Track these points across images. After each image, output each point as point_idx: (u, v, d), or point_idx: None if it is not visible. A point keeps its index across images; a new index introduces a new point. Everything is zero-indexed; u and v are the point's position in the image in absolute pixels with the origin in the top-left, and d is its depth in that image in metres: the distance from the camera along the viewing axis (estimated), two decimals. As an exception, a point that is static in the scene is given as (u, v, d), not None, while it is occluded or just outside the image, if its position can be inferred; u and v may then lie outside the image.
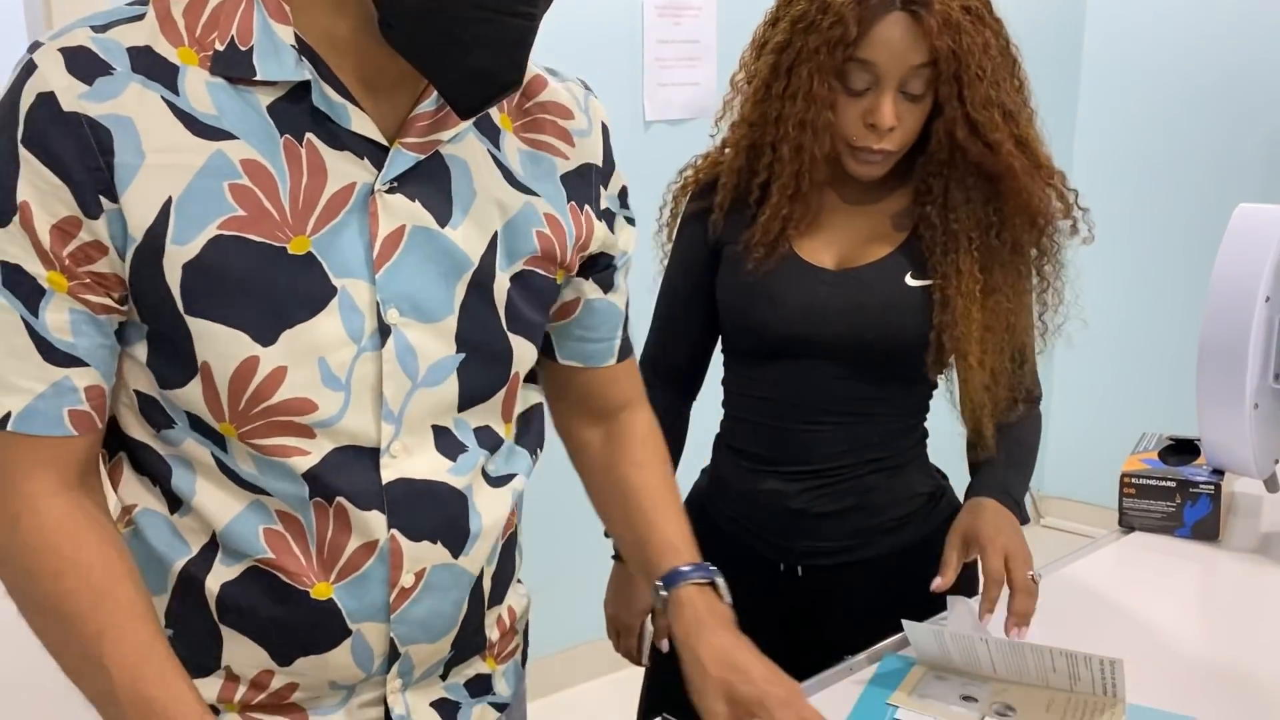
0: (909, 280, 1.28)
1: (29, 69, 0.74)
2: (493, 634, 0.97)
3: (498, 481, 0.92)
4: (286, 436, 0.80)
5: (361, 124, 0.80)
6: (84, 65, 0.74)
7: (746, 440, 1.36)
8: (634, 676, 1.50)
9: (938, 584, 1.18)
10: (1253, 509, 1.66)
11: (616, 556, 1.40)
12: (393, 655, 0.87)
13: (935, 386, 1.39)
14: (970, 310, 1.24)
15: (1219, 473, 1.55)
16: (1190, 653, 1.26)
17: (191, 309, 0.77)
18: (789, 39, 1.23)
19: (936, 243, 1.26)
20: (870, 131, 1.21)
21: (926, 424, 1.43)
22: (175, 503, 0.83)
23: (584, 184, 0.93)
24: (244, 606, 0.83)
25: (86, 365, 0.78)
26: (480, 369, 0.88)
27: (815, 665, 1.18)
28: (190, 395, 0.80)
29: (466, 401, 0.88)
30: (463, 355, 0.86)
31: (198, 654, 0.85)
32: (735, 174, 1.30)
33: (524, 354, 0.91)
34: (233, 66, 0.77)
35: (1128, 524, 1.59)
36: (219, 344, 0.78)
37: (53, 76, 0.74)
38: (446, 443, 0.87)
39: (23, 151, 0.73)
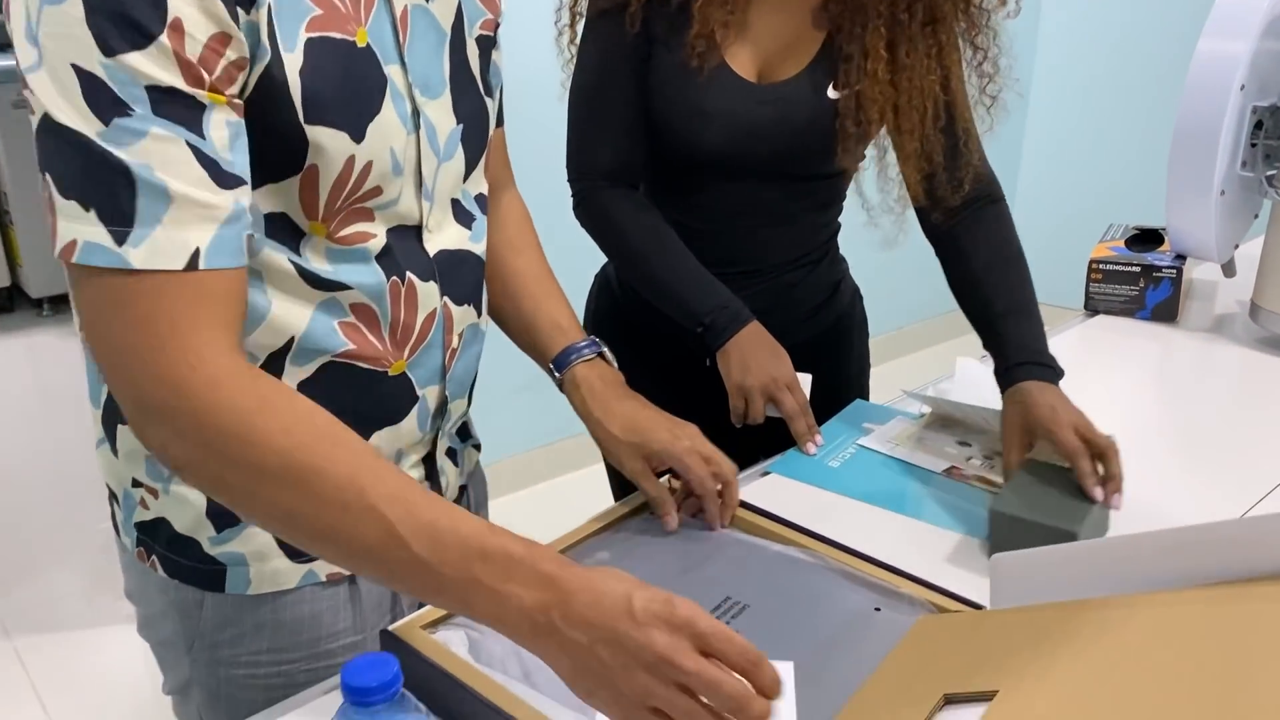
0: (830, 93, 1.26)
1: None
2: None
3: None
4: (358, 223, 0.83)
5: None
6: None
7: None
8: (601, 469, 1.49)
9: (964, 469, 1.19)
10: (1208, 294, 1.76)
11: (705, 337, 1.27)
12: (439, 413, 0.94)
13: (850, 179, 1.38)
14: (873, 90, 1.22)
15: (1181, 258, 1.63)
16: (1146, 417, 1.37)
17: (309, 118, 0.76)
18: None
19: (847, 17, 1.22)
20: None
21: (840, 218, 1.45)
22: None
23: None
24: (322, 399, 0.83)
25: (247, 183, 0.73)
26: (474, 136, 0.92)
27: (767, 446, 1.27)
28: (284, 194, 0.78)
29: (469, 170, 0.93)
30: (461, 126, 0.90)
31: None
32: None
33: (494, 114, 0.96)
34: None
35: (1092, 308, 1.68)
36: (328, 148, 0.77)
37: None
38: (460, 213, 0.93)
39: None
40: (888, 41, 1.22)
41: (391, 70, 0.82)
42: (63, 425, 3.29)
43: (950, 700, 0.75)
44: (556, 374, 1.05)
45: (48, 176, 0.69)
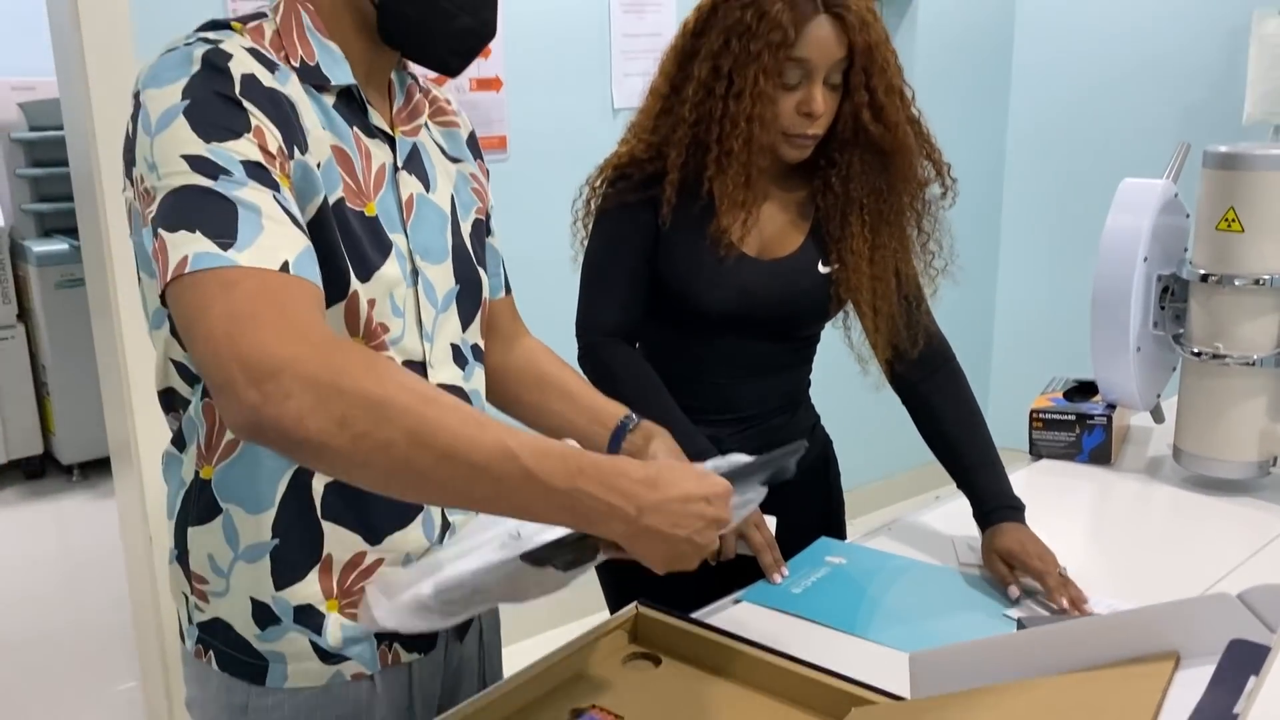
0: (820, 268, 1.51)
1: (224, 53, 0.92)
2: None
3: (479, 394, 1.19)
4: (386, 351, 1.04)
5: (378, 119, 1.06)
6: (263, 60, 0.96)
7: (674, 393, 1.50)
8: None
9: (1015, 592, 1.37)
10: (1143, 438, 1.94)
11: None
12: (444, 526, 1.12)
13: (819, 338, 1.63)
14: (860, 264, 1.48)
15: (1112, 407, 1.82)
16: (1085, 552, 1.53)
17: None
18: (725, 45, 1.41)
19: (835, 208, 1.49)
20: (805, 119, 1.42)
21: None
22: None
23: (475, 146, 1.22)
24: (343, 499, 1.04)
25: (309, 239, 0.90)
26: (468, 297, 1.15)
27: (739, 579, 1.44)
28: (333, 316, 0.98)
29: (465, 322, 1.15)
30: (459, 286, 1.13)
31: (302, 552, 1.03)
32: (680, 170, 1.45)
33: (485, 283, 1.19)
34: (312, 76, 1.00)
35: (1036, 452, 1.86)
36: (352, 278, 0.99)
37: (249, 64, 0.93)
38: (458, 356, 1.14)
39: (244, 101, 0.90)
40: (870, 226, 1.49)
41: (395, 237, 1.05)
42: (89, 588, 3.43)
43: (873, 770, 0.90)
44: (634, 423, 1.24)
45: (159, 230, 0.85)
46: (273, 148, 0.91)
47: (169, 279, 0.84)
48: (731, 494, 0.93)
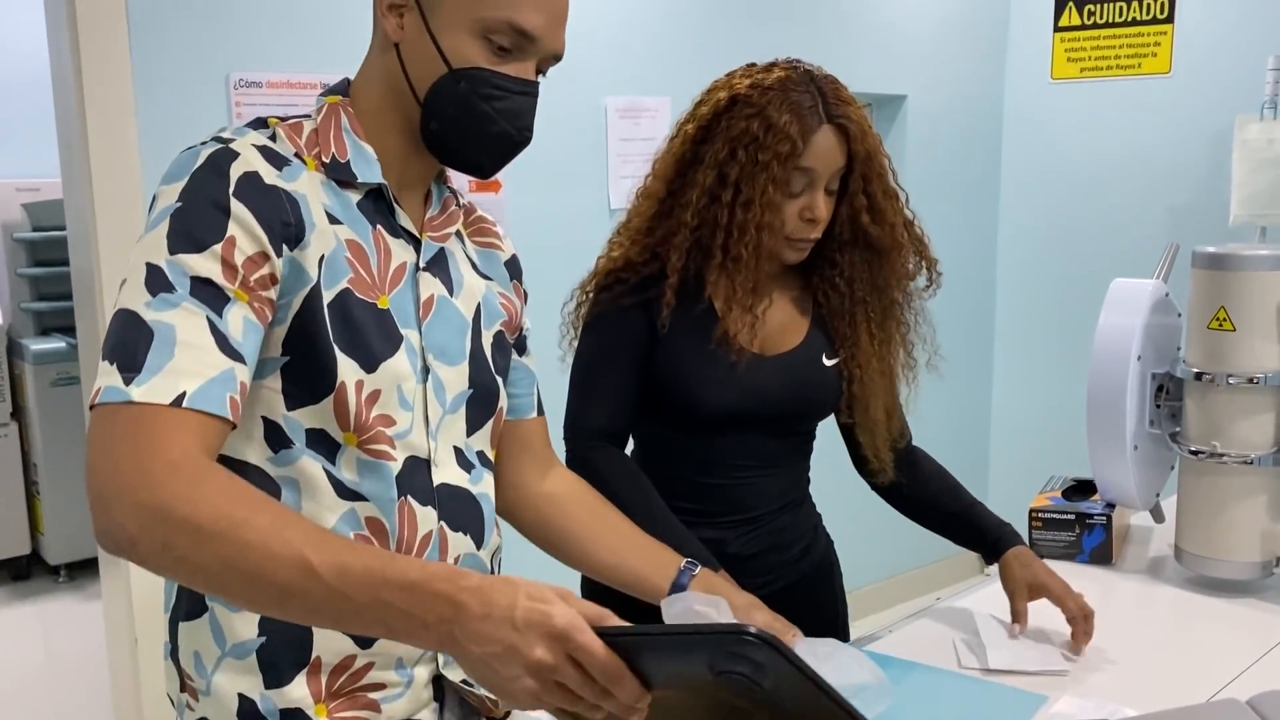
0: (825, 360, 1.53)
1: (230, 154, 0.98)
2: None
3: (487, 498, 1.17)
4: (384, 444, 1.04)
5: (405, 221, 1.10)
6: (272, 158, 1.01)
7: (677, 495, 1.50)
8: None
9: (1018, 630, 1.50)
10: (1144, 538, 1.92)
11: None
12: None
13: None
14: (870, 361, 1.51)
15: (1111, 506, 1.81)
16: (1089, 654, 1.49)
17: (335, 341, 1.01)
18: (731, 154, 1.43)
19: (843, 310, 1.52)
20: (808, 224, 1.45)
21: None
22: None
23: (515, 268, 1.25)
24: None
25: (246, 364, 0.94)
26: (480, 402, 1.15)
27: None
28: (322, 410, 1.01)
29: (472, 427, 1.15)
30: (471, 390, 1.14)
31: (291, 651, 1.02)
32: (679, 273, 1.45)
33: (502, 393, 1.19)
34: (339, 172, 1.05)
35: (1037, 552, 1.82)
36: (344, 370, 1.01)
37: (254, 162, 0.99)
38: (462, 460, 1.13)
39: (234, 202, 0.95)
40: (876, 322, 1.52)
41: (408, 333, 1.07)
42: (73, 691, 3.35)
43: None
44: (695, 571, 1.30)
45: (101, 356, 0.91)
46: (238, 260, 0.95)
47: (88, 403, 0.91)
48: (574, 640, 0.76)
